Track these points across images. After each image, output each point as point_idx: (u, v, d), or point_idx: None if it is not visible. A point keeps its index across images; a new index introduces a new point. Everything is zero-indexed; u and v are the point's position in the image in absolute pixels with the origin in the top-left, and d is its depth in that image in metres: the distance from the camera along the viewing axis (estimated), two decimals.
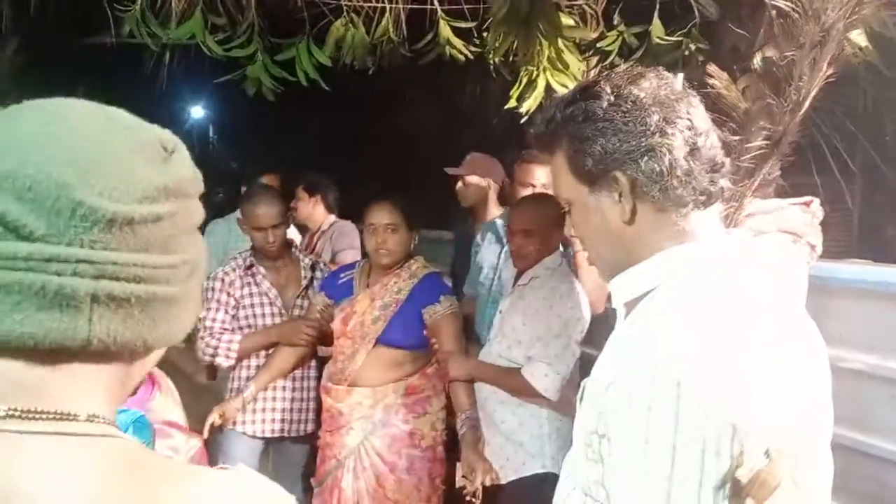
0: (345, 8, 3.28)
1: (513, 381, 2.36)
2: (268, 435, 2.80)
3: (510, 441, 2.41)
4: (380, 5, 3.29)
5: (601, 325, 2.31)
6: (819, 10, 2.17)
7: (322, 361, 2.88)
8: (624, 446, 0.89)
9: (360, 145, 8.44)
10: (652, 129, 0.98)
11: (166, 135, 0.64)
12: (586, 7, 3.15)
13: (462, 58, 3.36)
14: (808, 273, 2.07)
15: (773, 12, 2.29)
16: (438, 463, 2.58)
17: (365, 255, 2.76)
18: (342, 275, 2.71)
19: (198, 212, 0.64)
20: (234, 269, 2.81)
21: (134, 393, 0.76)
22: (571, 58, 3.10)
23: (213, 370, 3.18)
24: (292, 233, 3.56)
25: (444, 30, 3.24)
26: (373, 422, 2.52)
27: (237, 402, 2.69)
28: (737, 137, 2.26)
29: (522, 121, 3.22)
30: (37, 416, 0.54)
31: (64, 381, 0.56)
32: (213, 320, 2.73)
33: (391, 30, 3.31)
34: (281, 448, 2.91)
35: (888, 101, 4.29)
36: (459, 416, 2.46)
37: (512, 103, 3.31)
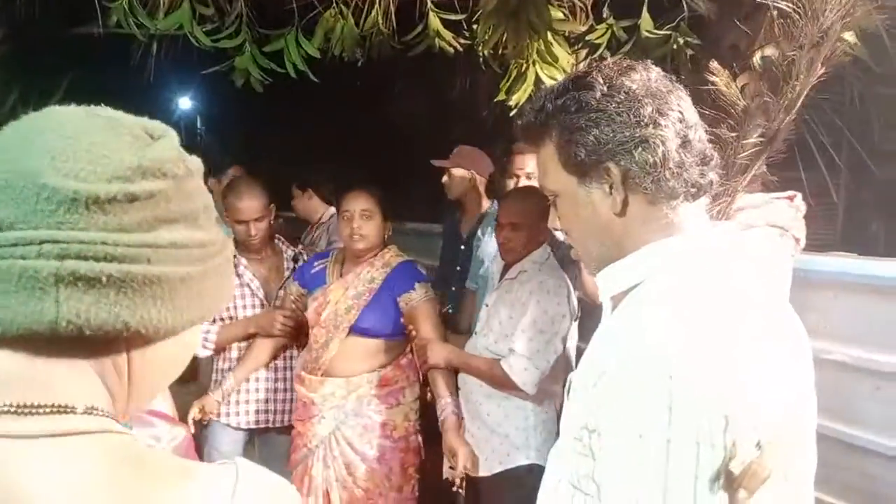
0: None
1: (491, 372, 2.37)
2: (252, 426, 2.81)
3: (495, 433, 2.42)
4: None
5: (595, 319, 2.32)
6: (818, 10, 2.20)
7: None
8: (617, 441, 0.89)
9: (349, 138, 8.42)
10: (645, 120, 0.98)
11: (154, 124, 0.63)
12: (576, 0, 3.15)
13: (451, 50, 3.36)
14: (792, 266, 2.09)
15: (775, 12, 2.31)
16: (412, 453, 2.59)
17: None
18: (315, 264, 2.70)
19: (198, 195, 0.63)
20: None
21: None
22: (561, 51, 3.10)
23: (192, 370, 3.19)
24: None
25: (434, 21, 3.23)
26: (345, 411, 2.53)
27: (217, 394, 2.71)
28: (734, 134, 2.29)
29: (512, 113, 3.22)
30: (33, 410, 0.54)
31: (59, 372, 0.56)
32: None
33: (380, 21, 3.29)
34: (267, 439, 2.92)
35: (874, 97, 4.32)
36: (439, 402, 2.46)
37: (501, 96, 3.31)
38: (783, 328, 0.99)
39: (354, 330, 2.53)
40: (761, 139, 2.31)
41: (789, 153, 2.47)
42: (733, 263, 1.01)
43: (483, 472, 2.43)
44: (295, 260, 2.92)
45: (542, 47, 3.05)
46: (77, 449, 0.54)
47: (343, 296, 2.55)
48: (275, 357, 2.82)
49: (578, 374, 1.01)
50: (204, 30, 3.17)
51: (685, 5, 2.99)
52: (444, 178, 3.36)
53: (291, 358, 2.87)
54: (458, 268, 3.34)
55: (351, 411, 2.53)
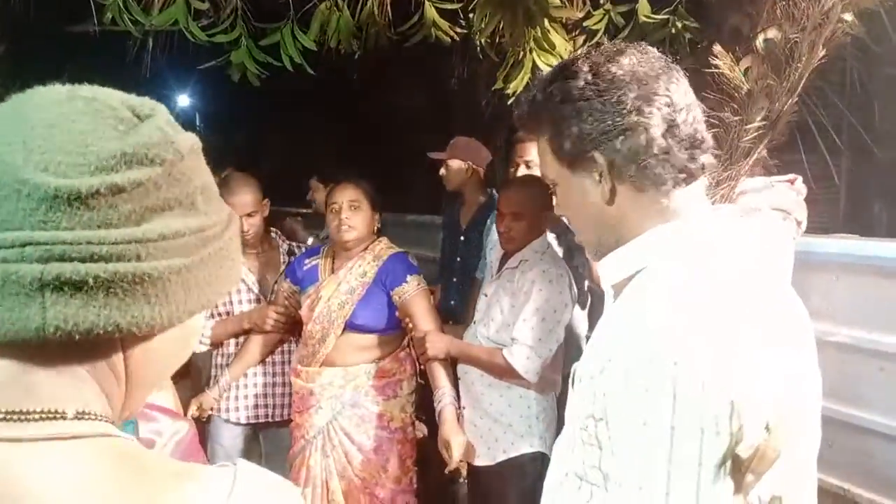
0: None
1: (492, 361, 2.37)
2: (251, 421, 2.82)
3: (498, 423, 2.42)
4: None
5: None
6: None
7: None
8: (622, 429, 0.88)
9: (348, 131, 8.41)
10: (628, 107, 0.97)
11: (140, 102, 0.58)
12: None
13: (448, 40, 3.34)
14: (794, 249, 2.08)
15: None
16: (409, 444, 2.59)
17: None
18: (306, 261, 2.69)
19: (194, 175, 0.58)
20: None
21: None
22: (558, 38, 3.08)
23: (185, 366, 3.20)
24: None
25: (430, 11, 3.22)
26: (342, 401, 2.53)
27: (213, 391, 2.72)
28: (737, 117, 2.29)
29: (510, 101, 3.21)
30: (22, 416, 0.52)
31: (49, 378, 0.54)
32: None
33: (376, 12, 3.28)
34: (270, 433, 2.93)
35: (874, 77, 4.30)
36: (436, 394, 2.45)
37: (499, 84, 3.30)
38: (785, 311, 0.98)
39: (349, 325, 2.53)
40: (764, 122, 2.31)
41: (791, 136, 2.47)
42: (734, 248, 1.00)
43: (487, 461, 2.43)
44: (291, 254, 2.91)
45: (539, 35, 3.04)
46: (68, 452, 0.52)
47: (335, 291, 2.54)
48: (270, 352, 2.82)
49: (583, 363, 1.01)
50: (199, 25, 3.16)
51: None
52: (442, 171, 3.36)
53: (289, 352, 2.88)
54: (458, 258, 3.34)
55: (348, 402, 2.53)
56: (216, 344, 2.79)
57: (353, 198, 2.52)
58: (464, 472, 2.44)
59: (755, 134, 2.32)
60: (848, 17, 2.38)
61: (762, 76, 2.32)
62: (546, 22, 3.00)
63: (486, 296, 2.53)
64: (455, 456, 2.31)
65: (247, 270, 2.81)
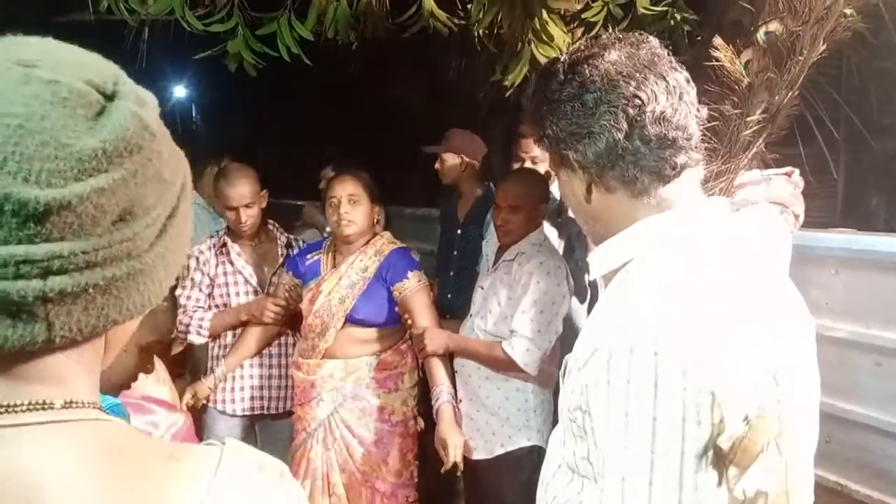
0: None
1: (491, 354, 2.37)
2: (247, 413, 2.82)
3: (496, 416, 2.42)
4: None
5: None
6: None
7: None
8: (605, 419, 0.89)
9: (346, 122, 8.37)
10: (591, 110, 0.98)
11: (102, 74, 0.55)
12: None
13: (446, 31, 3.32)
14: (791, 242, 2.08)
15: None
16: (410, 438, 2.59)
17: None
18: (308, 256, 2.69)
19: (163, 145, 0.57)
20: (209, 248, 2.80)
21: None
22: (556, 29, 3.06)
23: (184, 362, 3.20)
24: None
25: (428, 2, 3.19)
26: (343, 394, 2.53)
27: (209, 381, 2.72)
28: (737, 111, 2.28)
29: (508, 93, 3.20)
30: (10, 409, 0.52)
31: (35, 371, 0.54)
32: (188, 298, 2.74)
33: (374, 2, 3.26)
34: (266, 425, 2.93)
35: (872, 70, 4.29)
36: (434, 390, 2.45)
37: (497, 76, 3.28)
38: (781, 304, 0.98)
39: (350, 319, 2.52)
40: (764, 115, 2.30)
41: (788, 129, 2.46)
42: (726, 240, 1.00)
43: (484, 454, 2.43)
44: (289, 246, 2.91)
45: (538, 26, 3.02)
46: (58, 434, 0.53)
47: (336, 286, 2.54)
48: (267, 344, 2.81)
49: (572, 355, 1.01)
50: (195, 14, 3.14)
51: None
52: (437, 164, 3.34)
53: (286, 345, 2.87)
54: (455, 252, 3.32)
55: (349, 394, 2.53)
56: (214, 335, 2.78)
57: (351, 192, 2.51)
58: (461, 466, 2.43)
59: (755, 127, 2.31)
60: (849, 11, 2.36)
61: (763, 69, 2.31)
62: (544, 13, 2.98)
63: (482, 288, 2.52)
64: (451, 456, 2.30)
65: (244, 262, 2.80)
